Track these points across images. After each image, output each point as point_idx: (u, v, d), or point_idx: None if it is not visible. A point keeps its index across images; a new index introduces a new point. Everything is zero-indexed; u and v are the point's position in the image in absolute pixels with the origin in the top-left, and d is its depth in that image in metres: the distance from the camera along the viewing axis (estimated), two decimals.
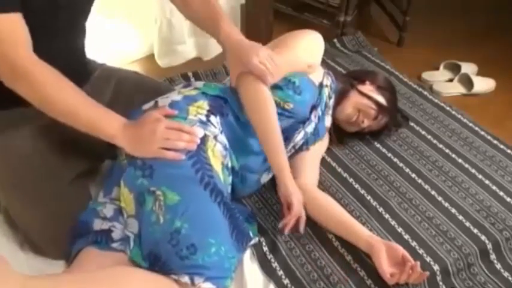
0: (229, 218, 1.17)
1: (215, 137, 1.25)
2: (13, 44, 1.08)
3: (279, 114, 1.35)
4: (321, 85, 1.49)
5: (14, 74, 1.09)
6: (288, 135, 1.40)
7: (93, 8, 1.35)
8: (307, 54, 1.43)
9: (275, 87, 1.36)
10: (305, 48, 1.42)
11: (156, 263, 1.13)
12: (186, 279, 1.08)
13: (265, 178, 1.43)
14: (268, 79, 1.26)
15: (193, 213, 1.12)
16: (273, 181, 1.50)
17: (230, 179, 1.29)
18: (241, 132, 1.32)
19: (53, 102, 1.13)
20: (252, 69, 1.25)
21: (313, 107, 1.45)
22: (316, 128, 1.46)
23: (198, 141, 1.18)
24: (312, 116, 1.44)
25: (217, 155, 1.23)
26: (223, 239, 1.15)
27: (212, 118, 1.27)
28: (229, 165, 1.29)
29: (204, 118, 1.25)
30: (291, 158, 1.47)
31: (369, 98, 1.52)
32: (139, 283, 1.08)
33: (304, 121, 1.43)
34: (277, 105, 1.35)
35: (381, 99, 1.54)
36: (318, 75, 1.51)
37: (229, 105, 1.32)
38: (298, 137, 1.41)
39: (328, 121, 1.52)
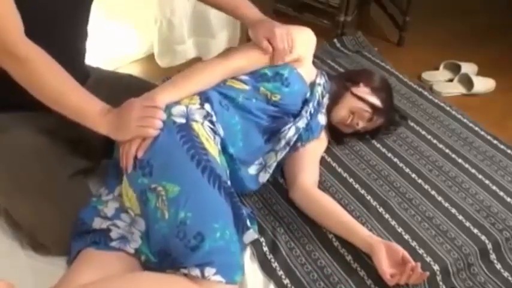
0: (229, 202, 1.18)
1: (209, 122, 1.25)
2: (5, 26, 1.08)
3: (267, 107, 1.38)
4: (313, 83, 1.49)
5: (8, 55, 1.10)
6: (278, 128, 1.40)
7: (93, 9, 1.36)
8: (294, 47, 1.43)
9: (263, 80, 1.38)
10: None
11: (166, 259, 1.13)
12: (196, 272, 1.08)
13: (262, 176, 1.42)
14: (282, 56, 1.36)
15: (195, 200, 1.13)
16: (272, 181, 1.51)
17: (226, 165, 1.29)
18: (231, 121, 1.33)
19: (44, 88, 1.15)
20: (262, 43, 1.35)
21: (305, 103, 1.45)
22: (308, 124, 1.46)
23: (163, 116, 1.19)
24: (303, 111, 1.44)
25: (211, 141, 1.23)
26: (227, 222, 1.15)
27: (206, 106, 1.27)
28: (226, 151, 1.30)
29: (198, 106, 1.26)
30: (288, 156, 1.47)
31: (364, 101, 1.52)
32: (150, 284, 1.10)
33: (295, 115, 1.43)
34: (265, 97, 1.38)
35: (376, 101, 1.53)
36: (311, 73, 1.52)
37: (221, 96, 1.33)
38: (290, 133, 1.41)
39: (323, 120, 1.52)
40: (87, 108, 1.18)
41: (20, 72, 1.13)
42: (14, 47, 1.10)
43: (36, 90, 1.15)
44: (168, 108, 1.22)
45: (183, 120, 1.22)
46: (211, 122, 1.26)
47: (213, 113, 1.27)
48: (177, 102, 1.25)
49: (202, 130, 1.23)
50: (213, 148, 1.22)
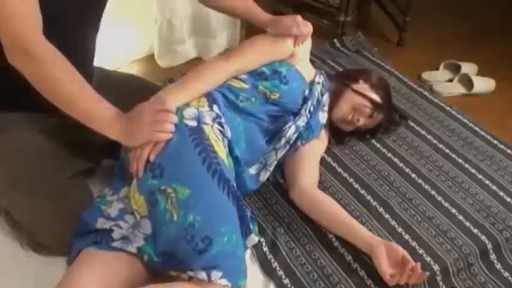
0: (235, 206, 1.18)
1: (218, 124, 1.25)
2: (22, 19, 1.07)
3: (267, 106, 1.38)
4: (312, 82, 1.50)
5: (25, 54, 1.09)
6: (279, 128, 1.40)
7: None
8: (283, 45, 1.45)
9: (262, 78, 1.39)
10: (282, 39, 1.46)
11: (170, 261, 1.13)
12: (203, 275, 1.08)
13: (263, 175, 1.43)
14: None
15: (204, 204, 1.12)
16: (272, 181, 1.51)
17: (233, 167, 1.29)
18: (233, 122, 1.33)
19: (57, 89, 1.13)
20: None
21: (304, 101, 1.46)
22: (308, 122, 1.46)
23: (175, 120, 1.18)
24: (303, 110, 1.44)
25: (220, 144, 1.23)
26: (234, 227, 1.15)
27: (215, 107, 1.28)
28: (233, 153, 1.30)
29: (207, 108, 1.26)
30: (288, 156, 1.48)
31: (364, 96, 1.53)
32: None
33: (295, 113, 1.44)
34: (264, 95, 1.38)
35: (376, 97, 1.54)
36: (310, 71, 1.53)
37: (226, 96, 1.34)
38: (290, 131, 1.41)
39: (322, 118, 1.52)
40: (98, 113, 1.17)
41: (34, 72, 1.11)
42: (32, 46, 1.08)
43: (48, 91, 1.13)
44: (179, 111, 1.22)
45: (195, 123, 1.21)
46: (220, 124, 1.26)
47: (221, 114, 1.28)
48: (187, 105, 1.25)
49: (212, 133, 1.22)
50: (222, 151, 1.22)
